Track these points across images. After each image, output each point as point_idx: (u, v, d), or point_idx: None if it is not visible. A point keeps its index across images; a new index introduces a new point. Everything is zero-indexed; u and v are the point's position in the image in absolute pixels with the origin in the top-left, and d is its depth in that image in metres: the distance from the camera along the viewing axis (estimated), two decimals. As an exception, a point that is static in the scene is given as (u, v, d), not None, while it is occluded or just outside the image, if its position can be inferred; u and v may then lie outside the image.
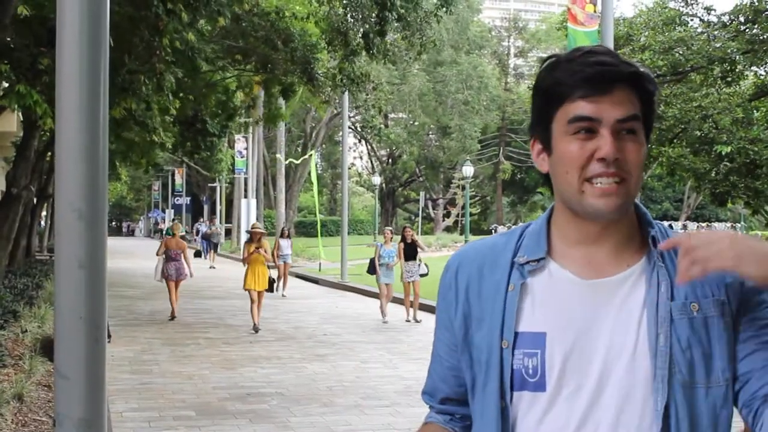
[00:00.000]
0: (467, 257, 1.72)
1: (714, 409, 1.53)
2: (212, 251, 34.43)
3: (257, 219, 41.55)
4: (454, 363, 1.71)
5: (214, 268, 31.99)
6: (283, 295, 20.82)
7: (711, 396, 1.53)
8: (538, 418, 1.56)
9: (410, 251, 16.27)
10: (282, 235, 22.80)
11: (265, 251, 15.05)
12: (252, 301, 14.77)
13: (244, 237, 39.86)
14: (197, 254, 39.37)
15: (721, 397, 1.54)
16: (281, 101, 24.01)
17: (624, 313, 1.55)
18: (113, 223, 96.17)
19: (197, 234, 42.74)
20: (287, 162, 43.81)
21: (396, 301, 17.27)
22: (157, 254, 16.78)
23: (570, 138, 1.55)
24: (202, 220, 50.08)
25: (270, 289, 15.37)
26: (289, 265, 22.47)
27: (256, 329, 14.51)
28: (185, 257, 16.55)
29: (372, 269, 16.78)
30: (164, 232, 31.90)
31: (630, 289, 1.57)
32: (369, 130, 36.94)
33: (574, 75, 1.54)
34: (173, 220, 34.93)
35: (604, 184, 1.52)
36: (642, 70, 1.58)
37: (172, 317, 16.18)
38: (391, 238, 16.92)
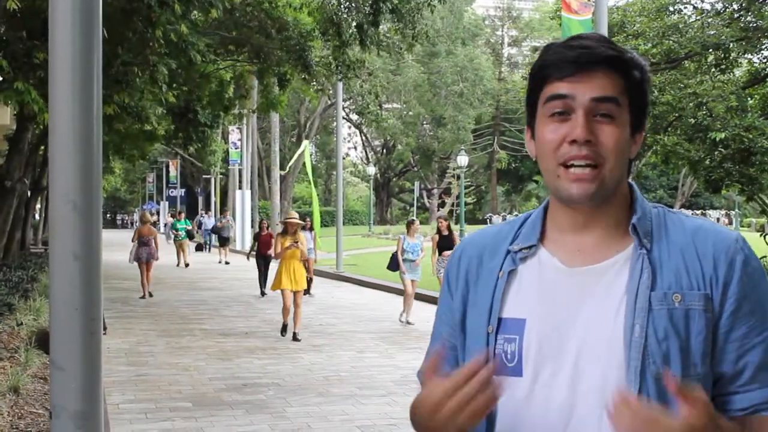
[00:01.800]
0: (471, 243, 1.75)
1: None
2: (225, 246, 31.41)
3: (252, 210, 41.21)
4: (456, 344, 1.72)
5: (228, 263, 29.78)
6: (310, 295, 18.28)
7: None
8: (519, 403, 1.57)
9: (446, 244, 14.86)
10: (304, 227, 20.66)
11: (302, 245, 13.01)
12: (285, 305, 12.88)
13: (240, 229, 39.73)
14: (199, 248, 37.59)
15: None
16: (277, 89, 23.97)
17: (605, 302, 1.54)
18: (108, 215, 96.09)
19: (199, 227, 41.46)
20: (288, 167, 43.39)
21: (419, 298, 16.03)
22: (132, 240, 18.95)
23: (546, 120, 1.57)
24: (204, 212, 48.82)
25: (308, 290, 13.33)
26: (313, 261, 19.43)
27: (295, 336, 12.66)
28: (155, 243, 18.70)
29: (394, 265, 15.06)
30: (171, 226, 31.03)
31: (613, 277, 1.56)
32: (366, 116, 36.90)
33: (556, 57, 1.56)
34: (180, 212, 33.66)
35: (577, 168, 1.53)
36: (628, 55, 1.57)
37: (143, 296, 18.34)
38: (417, 230, 15.09)
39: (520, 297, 1.61)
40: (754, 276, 1.55)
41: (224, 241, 31.50)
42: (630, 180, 1.66)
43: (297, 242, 12.86)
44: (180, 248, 28.40)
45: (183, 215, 30.88)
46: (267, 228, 20.39)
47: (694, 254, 1.55)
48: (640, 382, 1.49)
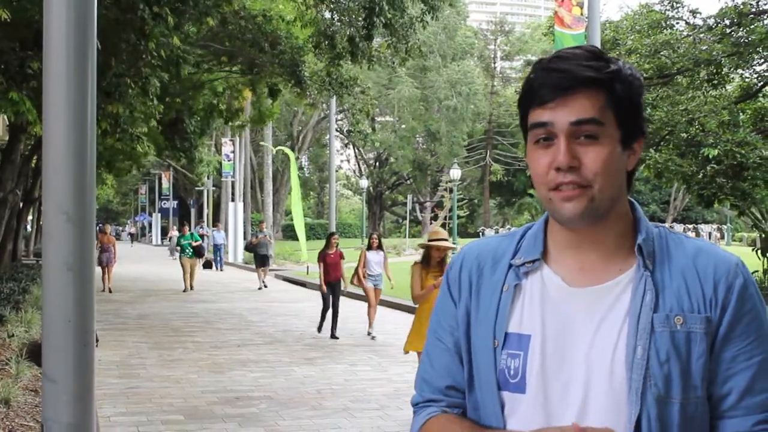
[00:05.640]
0: (472, 255, 1.73)
1: (686, 424, 1.52)
2: (262, 267, 25.58)
3: (245, 223, 40.93)
4: (462, 355, 1.69)
5: (265, 287, 25.06)
6: (372, 337, 14.48)
7: (684, 411, 1.51)
8: (525, 419, 1.56)
9: None
10: (371, 246, 15.14)
11: None
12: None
13: (233, 241, 39.46)
14: (207, 265, 33.98)
15: (695, 413, 1.53)
16: (269, 101, 24.00)
17: (607, 323, 1.54)
18: (99, 226, 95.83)
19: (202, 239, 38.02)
20: (277, 151, 42.69)
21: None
22: (95, 248, 21.23)
23: (533, 147, 1.57)
24: (209, 225, 46.18)
25: None
26: (381, 292, 15.20)
27: None
28: (114, 249, 23.30)
29: None
30: (176, 242, 29.22)
31: (616, 298, 1.56)
32: (356, 135, 36.91)
33: (536, 82, 1.55)
34: (184, 225, 31.13)
35: (566, 188, 1.52)
36: (607, 70, 1.54)
37: (104, 289, 22.32)
38: None
39: (524, 312, 1.60)
40: (750, 301, 1.56)
41: (264, 261, 25.76)
42: (630, 197, 1.65)
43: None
44: (188, 267, 24.21)
45: (187, 228, 26.88)
46: (337, 245, 15.42)
47: (695, 276, 1.56)
48: (641, 403, 1.50)
